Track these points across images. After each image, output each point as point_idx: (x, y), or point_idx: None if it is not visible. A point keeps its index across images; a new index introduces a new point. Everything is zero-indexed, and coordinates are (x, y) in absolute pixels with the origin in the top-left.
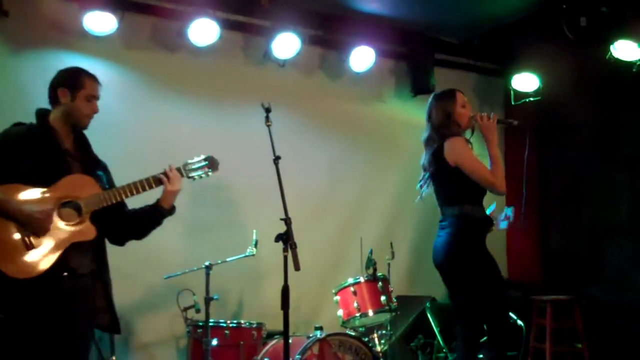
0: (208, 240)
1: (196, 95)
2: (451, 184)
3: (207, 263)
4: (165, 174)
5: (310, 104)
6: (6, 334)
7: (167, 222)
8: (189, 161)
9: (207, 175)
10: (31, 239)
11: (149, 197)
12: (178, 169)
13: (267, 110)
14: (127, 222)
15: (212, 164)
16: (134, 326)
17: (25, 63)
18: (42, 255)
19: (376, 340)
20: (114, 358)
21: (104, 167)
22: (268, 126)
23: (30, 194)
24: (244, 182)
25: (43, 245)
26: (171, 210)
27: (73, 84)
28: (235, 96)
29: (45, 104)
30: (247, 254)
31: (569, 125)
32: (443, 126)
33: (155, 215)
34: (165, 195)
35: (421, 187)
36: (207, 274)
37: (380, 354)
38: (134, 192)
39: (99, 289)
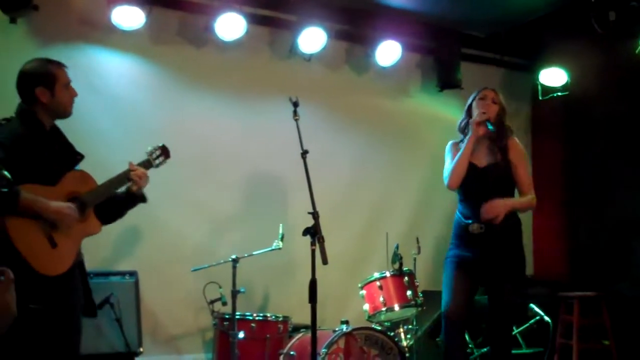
0: (235, 233)
1: (222, 89)
2: None
3: (233, 256)
4: (136, 174)
5: (336, 98)
6: (40, 324)
7: (195, 215)
8: (151, 150)
9: (164, 163)
10: (54, 237)
11: None
12: (148, 161)
13: (295, 105)
14: (107, 209)
15: (164, 152)
16: (161, 318)
17: (53, 57)
18: (65, 253)
19: (402, 334)
20: (141, 349)
21: (80, 161)
22: (296, 120)
23: (43, 192)
24: (270, 176)
25: (64, 242)
26: (144, 198)
27: (47, 80)
28: (261, 90)
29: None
30: (273, 247)
31: (597, 120)
32: (463, 119)
33: (131, 201)
34: (137, 188)
35: None
36: (234, 267)
37: (406, 349)
38: (119, 185)
39: (77, 274)
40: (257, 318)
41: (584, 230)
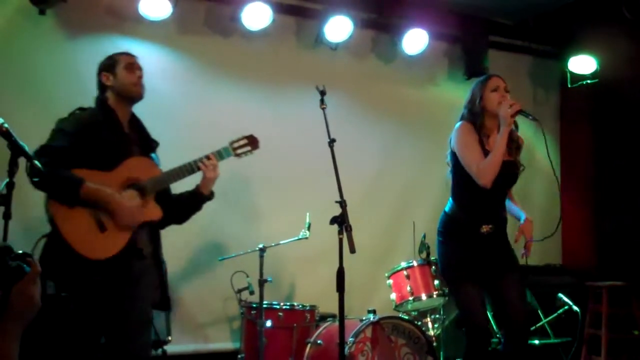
0: (262, 222)
1: (249, 79)
2: (452, 173)
3: (260, 245)
4: (203, 162)
5: (363, 87)
6: (70, 312)
7: (222, 204)
8: (234, 139)
9: (252, 153)
10: (104, 221)
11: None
12: (226, 149)
13: (322, 93)
14: (172, 207)
15: (251, 142)
16: (189, 307)
17: (81, 48)
18: (115, 237)
19: (429, 324)
20: (170, 338)
21: (156, 148)
22: (323, 109)
23: (97, 178)
24: (297, 165)
25: (115, 226)
26: (210, 196)
27: (109, 65)
28: (287, 80)
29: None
30: (300, 236)
31: (627, 108)
32: (466, 107)
33: (195, 201)
34: (205, 182)
35: None
36: (261, 257)
37: (433, 338)
38: (186, 174)
39: (153, 267)
40: (284, 307)
41: (613, 219)
